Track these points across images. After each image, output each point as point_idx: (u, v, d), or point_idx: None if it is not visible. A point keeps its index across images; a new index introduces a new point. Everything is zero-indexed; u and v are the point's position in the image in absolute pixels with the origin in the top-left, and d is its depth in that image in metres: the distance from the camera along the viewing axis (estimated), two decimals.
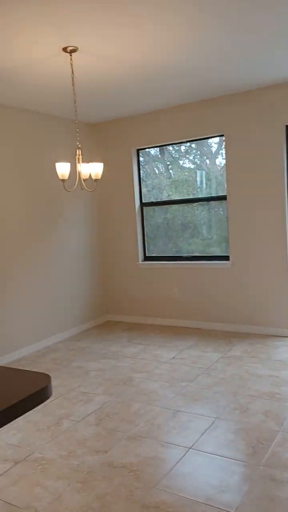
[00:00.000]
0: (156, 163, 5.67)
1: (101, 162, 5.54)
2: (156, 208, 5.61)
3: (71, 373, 4.06)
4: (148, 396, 3.45)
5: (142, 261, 5.68)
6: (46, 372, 4.13)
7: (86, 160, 5.50)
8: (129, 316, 5.82)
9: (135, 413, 3.19)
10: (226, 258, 5.10)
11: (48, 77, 3.73)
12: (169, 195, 5.53)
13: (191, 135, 5.10)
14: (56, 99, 4.43)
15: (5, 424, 1.00)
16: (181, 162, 5.52)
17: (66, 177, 3.32)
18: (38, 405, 1.08)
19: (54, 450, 2.77)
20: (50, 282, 5.07)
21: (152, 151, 5.62)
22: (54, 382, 3.88)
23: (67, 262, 5.33)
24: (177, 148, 5.45)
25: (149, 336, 5.09)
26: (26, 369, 4.18)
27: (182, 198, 5.42)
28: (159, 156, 5.62)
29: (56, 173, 5.14)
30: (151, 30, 2.92)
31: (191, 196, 5.37)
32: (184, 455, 2.60)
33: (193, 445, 2.70)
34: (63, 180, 3.33)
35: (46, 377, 1.14)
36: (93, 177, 3.32)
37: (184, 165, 5.50)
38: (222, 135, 4.99)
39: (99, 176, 3.33)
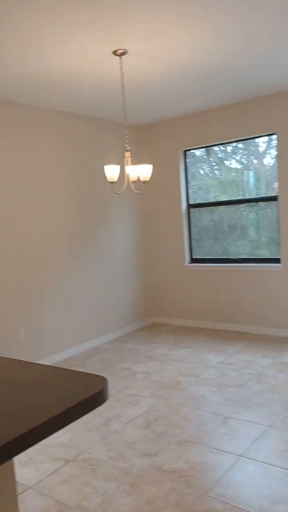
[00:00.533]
0: (201, 164, 5.60)
1: (149, 164, 5.54)
2: (202, 209, 5.54)
3: (118, 375, 4.08)
4: (196, 401, 3.39)
5: (188, 263, 5.63)
6: (94, 373, 4.17)
7: (134, 162, 5.53)
8: (176, 319, 5.78)
9: (183, 417, 3.14)
10: (276, 260, 4.95)
11: (98, 81, 3.78)
12: (215, 196, 5.44)
13: (240, 135, 5.00)
14: (105, 102, 4.48)
15: (62, 427, 1.00)
16: (227, 162, 5.42)
17: (115, 179, 3.34)
18: (94, 408, 1.07)
19: (103, 451, 2.78)
20: (98, 283, 5.13)
21: (197, 152, 5.56)
22: None
23: (114, 264, 5.37)
24: (223, 148, 5.35)
25: (196, 340, 5.02)
26: (75, 369, 4.25)
27: (230, 199, 5.31)
28: (205, 157, 5.54)
29: (104, 175, 5.20)
30: (199, 30, 2.88)
31: (239, 197, 5.25)
32: (235, 463, 2.53)
33: (244, 453, 2.62)
34: (112, 183, 3.35)
35: (103, 380, 1.14)
36: (142, 179, 3.32)
37: (231, 165, 5.40)
38: (273, 134, 4.85)
39: (148, 178, 3.33)
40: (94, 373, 4.09)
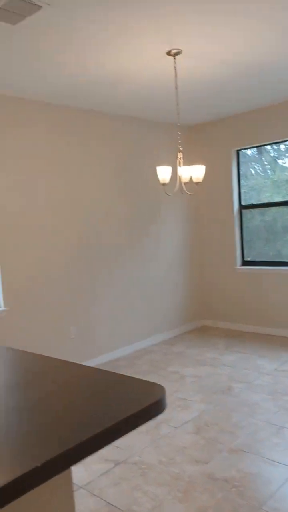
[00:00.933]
0: (253, 163, 5.45)
1: (201, 164, 5.47)
2: (253, 210, 5.39)
3: (167, 377, 4.04)
4: (249, 408, 3.29)
5: (240, 266, 5.49)
6: (142, 374, 4.16)
7: (186, 163, 5.48)
8: (226, 322, 5.66)
9: (235, 424, 3.06)
10: None
11: (151, 82, 3.77)
12: (268, 197, 5.27)
13: None
14: (158, 103, 4.46)
15: (120, 437, 0.98)
16: (280, 161, 5.23)
17: (167, 181, 3.31)
18: (152, 418, 1.05)
19: (154, 455, 2.76)
20: (147, 284, 5.13)
21: (249, 152, 5.42)
22: None
23: (164, 265, 5.35)
24: (276, 147, 5.18)
25: (248, 344, 4.89)
26: (124, 370, 4.26)
27: (284, 199, 5.13)
28: (256, 156, 5.39)
29: (155, 177, 5.19)
30: (252, 28, 2.79)
31: None
32: None
33: None
34: (163, 184, 3.33)
35: (161, 389, 1.11)
36: (194, 180, 3.27)
37: (285, 164, 5.20)
38: None
39: (201, 179, 3.27)
40: (142, 374, 4.09)
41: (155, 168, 5.21)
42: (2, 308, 3.87)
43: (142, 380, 1.16)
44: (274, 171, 5.30)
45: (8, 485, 0.76)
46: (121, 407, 1.02)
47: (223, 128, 5.42)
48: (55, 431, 0.92)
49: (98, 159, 4.61)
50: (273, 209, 5.22)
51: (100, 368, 4.41)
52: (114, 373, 1.22)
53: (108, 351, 4.70)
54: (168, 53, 3.14)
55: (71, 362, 1.34)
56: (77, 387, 1.15)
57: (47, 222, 4.18)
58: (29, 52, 2.99)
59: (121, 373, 4.16)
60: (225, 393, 3.60)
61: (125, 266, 4.89)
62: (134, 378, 1.19)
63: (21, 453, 0.85)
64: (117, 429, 0.96)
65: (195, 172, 3.26)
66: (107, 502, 2.32)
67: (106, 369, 4.34)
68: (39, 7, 2.45)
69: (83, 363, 4.46)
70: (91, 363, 4.53)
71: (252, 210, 5.40)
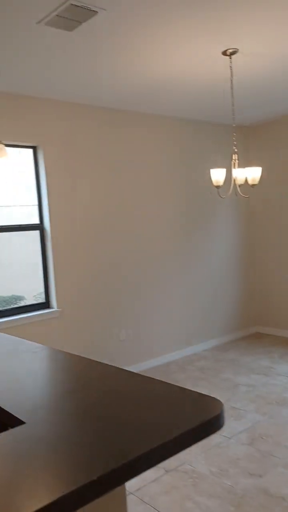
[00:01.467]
0: None
1: (257, 166, 5.31)
2: None
3: (219, 385, 3.94)
4: None
5: None
6: (193, 381, 4.09)
7: (241, 165, 5.35)
8: (281, 330, 5.45)
9: None
10: None
11: (206, 83, 3.70)
12: None
13: None
14: (212, 104, 4.38)
15: (177, 452, 0.93)
16: None
17: (221, 183, 3.23)
18: (210, 434, 0.99)
19: (205, 465, 2.68)
20: (199, 288, 5.05)
21: None
22: (202, 391, 3.81)
23: (217, 269, 5.24)
24: None
25: None
26: (174, 375, 4.21)
27: None
28: None
29: (209, 179, 5.11)
30: None
31: None
32: None
33: None
34: (217, 187, 3.25)
35: (218, 404, 1.05)
36: (250, 182, 3.16)
37: None
38: None
39: (257, 181, 3.16)
40: (193, 380, 4.01)
41: (210, 170, 5.12)
42: (55, 309, 3.95)
43: (198, 393, 1.11)
44: None
45: (63, 498, 0.74)
46: (181, 421, 0.97)
47: (281, 127, 5.23)
48: (113, 443, 0.90)
49: (152, 162, 4.60)
50: None
51: (150, 372, 4.38)
52: (172, 384, 1.18)
53: (158, 355, 4.67)
54: (224, 53, 3.06)
55: (128, 371, 1.31)
56: (134, 397, 1.12)
57: (100, 225, 4.22)
58: (85, 58, 3.02)
59: (171, 378, 4.11)
60: (280, 404, 3.44)
61: (178, 269, 4.84)
62: (192, 391, 1.14)
63: (78, 464, 0.83)
64: (178, 443, 0.92)
65: (251, 174, 3.15)
66: (158, 510, 2.28)
67: (157, 374, 4.30)
68: (95, 12, 2.47)
69: (133, 366, 4.46)
70: (141, 366, 4.52)
71: None
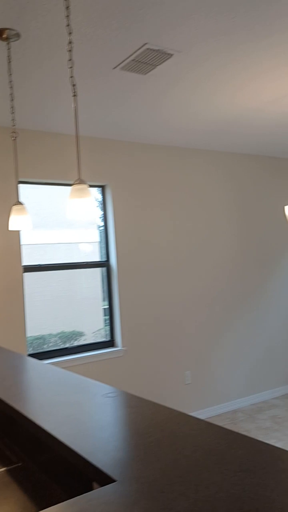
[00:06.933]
0: None
1: None
2: None
3: None
4: None
5: None
6: (265, 432, 3.79)
7: None
8: None
9: None
10: None
11: (275, 120, 3.64)
12: None
13: None
14: (283, 140, 4.30)
15: None
16: None
17: None
18: None
19: None
20: (267, 331, 4.78)
21: None
22: (276, 445, 3.50)
23: (284, 312, 4.96)
24: None
25: None
26: (242, 424, 3.92)
27: None
28: None
29: (281, 217, 4.95)
30: None
31: None
32: None
33: None
34: None
35: None
36: None
37: None
38: None
39: None
40: (265, 431, 3.71)
41: (282, 207, 4.96)
42: (120, 348, 3.89)
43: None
44: None
45: None
46: (276, 493, 0.83)
47: None
48: None
49: (218, 199, 4.54)
50: None
51: (216, 419, 4.13)
52: (268, 444, 1.05)
53: (225, 401, 4.41)
54: None
55: (218, 426, 1.19)
56: (229, 459, 1.00)
57: (166, 263, 4.17)
58: (155, 99, 3.08)
59: (240, 427, 3.83)
60: None
61: (247, 312, 4.64)
62: (282, 449, 0.99)
63: None
64: None
65: None
66: None
67: (223, 422, 4.04)
68: (170, 55, 2.52)
69: (198, 412, 4.23)
70: (207, 412, 4.29)
71: None
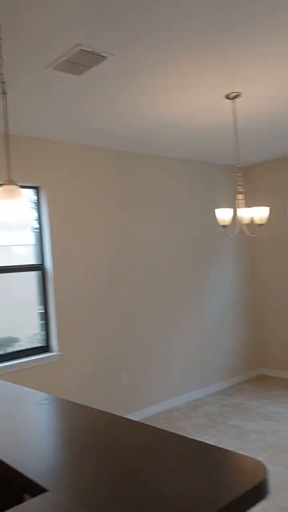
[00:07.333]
0: None
1: (261, 205, 5.34)
2: None
3: (227, 433, 3.76)
4: None
5: None
6: (199, 428, 3.89)
7: (247, 204, 5.39)
8: (287, 371, 5.29)
9: None
10: None
11: (209, 126, 3.76)
12: None
13: None
14: (215, 146, 4.45)
15: None
16: None
17: (227, 223, 3.21)
18: (254, 505, 0.88)
19: None
20: (201, 330, 4.93)
21: None
22: (209, 441, 3.62)
23: (220, 310, 5.14)
24: None
25: None
26: (179, 422, 4.01)
27: None
28: None
29: (215, 219, 5.12)
30: None
31: None
32: None
33: None
34: (223, 226, 3.22)
35: (260, 467, 0.94)
36: (258, 221, 3.14)
37: None
38: None
39: (265, 221, 3.14)
40: (199, 428, 3.82)
41: (214, 210, 5.13)
42: (56, 352, 3.81)
43: (235, 453, 1.01)
44: None
45: None
46: (219, 490, 0.86)
47: (284, 168, 5.30)
48: None
49: (157, 202, 4.60)
50: None
51: (153, 419, 4.17)
52: (200, 442, 1.08)
53: (161, 400, 4.48)
54: (227, 97, 3.12)
55: (152, 426, 1.20)
56: (164, 458, 1.01)
57: (103, 267, 4.16)
58: (89, 101, 3.07)
59: (176, 426, 3.91)
60: None
61: (180, 311, 4.74)
62: (226, 449, 1.03)
63: None
64: None
65: (258, 214, 3.13)
66: None
67: (159, 421, 4.10)
68: (104, 57, 2.52)
69: (135, 413, 4.26)
70: (144, 413, 4.32)
71: None
